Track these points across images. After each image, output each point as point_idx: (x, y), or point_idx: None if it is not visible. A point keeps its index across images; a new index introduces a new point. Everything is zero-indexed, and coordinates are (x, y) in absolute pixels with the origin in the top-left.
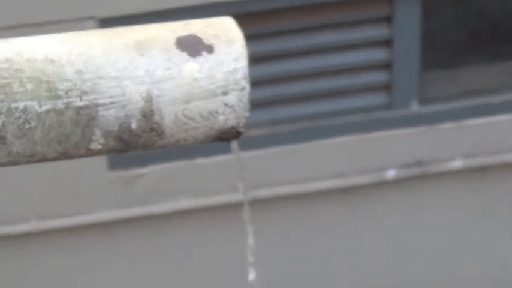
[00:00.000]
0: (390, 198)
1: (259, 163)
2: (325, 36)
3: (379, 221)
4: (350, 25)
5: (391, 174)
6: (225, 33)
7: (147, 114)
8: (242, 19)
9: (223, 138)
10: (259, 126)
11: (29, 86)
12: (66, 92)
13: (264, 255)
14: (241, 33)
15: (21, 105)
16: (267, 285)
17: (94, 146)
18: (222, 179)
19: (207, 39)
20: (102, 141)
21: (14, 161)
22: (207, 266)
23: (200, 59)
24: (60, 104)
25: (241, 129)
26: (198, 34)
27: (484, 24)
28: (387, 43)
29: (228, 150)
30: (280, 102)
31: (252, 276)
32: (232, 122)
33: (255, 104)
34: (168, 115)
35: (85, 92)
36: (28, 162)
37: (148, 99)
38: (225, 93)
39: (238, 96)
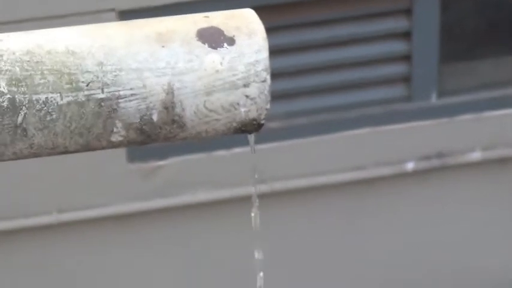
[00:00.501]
0: (409, 190)
1: (276, 155)
2: (344, 29)
3: (398, 213)
4: (369, 17)
5: (410, 166)
6: (247, 25)
7: (169, 106)
8: (261, 11)
9: (245, 131)
10: (277, 119)
11: (50, 78)
12: (88, 84)
13: (282, 248)
14: (262, 25)
15: (42, 97)
16: (287, 277)
17: (115, 138)
18: (241, 172)
19: (228, 31)
20: (123, 133)
21: (36, 153)
22: (225, 258)
23: (222, 50)
24: (81, 96)
25: (262, 121)
26: (219, 26)
27: (502, 16)
28: (406, 35)
29: (246, 143)
30: (299, 95)
31: (262, 270)
32: (253, 114)
33: (273, 96)
34: (190, 107)
35: (106, 84)
36: (49, 154)
37: (170, 91)
38: (246, 85)
39: (259, 88)
